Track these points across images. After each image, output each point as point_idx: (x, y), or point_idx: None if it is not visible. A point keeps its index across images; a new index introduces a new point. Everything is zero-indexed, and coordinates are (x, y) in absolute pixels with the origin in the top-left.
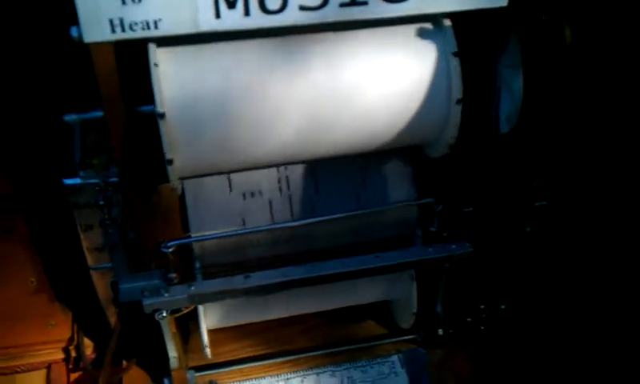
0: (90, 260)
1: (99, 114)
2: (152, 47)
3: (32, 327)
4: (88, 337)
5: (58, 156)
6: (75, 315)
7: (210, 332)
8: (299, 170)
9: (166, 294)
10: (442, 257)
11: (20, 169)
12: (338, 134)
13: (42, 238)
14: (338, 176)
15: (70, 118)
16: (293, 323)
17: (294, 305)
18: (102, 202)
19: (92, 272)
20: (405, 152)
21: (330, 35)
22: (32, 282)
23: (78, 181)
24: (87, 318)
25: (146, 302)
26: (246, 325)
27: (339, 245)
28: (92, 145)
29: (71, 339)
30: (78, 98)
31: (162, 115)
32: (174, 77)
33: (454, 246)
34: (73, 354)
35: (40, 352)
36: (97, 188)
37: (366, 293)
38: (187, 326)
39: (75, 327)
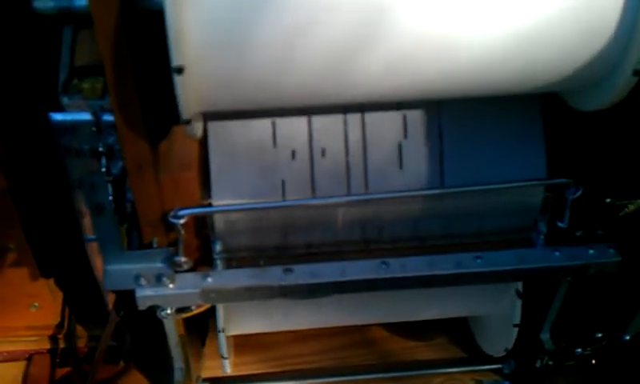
0: (85, 227)
1: (82, 1)
2: None
3: (9, 308)
4: (81, 324)
5: (47, 78)
6: (66, 297)
7: (233, 337)
8: (380, 118)
9: (171, 285)
10: (573, 266)
11: None
12: (445, 54)
13: (23, 193)
14: (424, 130)
15: (42, 4)
16: (341, 333)
17: (348, 312)
18: (100, 149)
19: (88, 243)
20: (533, 104)
21: None
22: (10, 248)
23: (70, 117)
24: (81, 301)
25: (141, 293)
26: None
27: (421, 235)
28: (86, 61)
29: (60, 326)
30: None
31: None
32: None
33: (591, 251)
34: (61, 344)
35: (20, 339)
36: (93, 128)
37: (449, 304)
38: (206, 320)
39: (66, 312)
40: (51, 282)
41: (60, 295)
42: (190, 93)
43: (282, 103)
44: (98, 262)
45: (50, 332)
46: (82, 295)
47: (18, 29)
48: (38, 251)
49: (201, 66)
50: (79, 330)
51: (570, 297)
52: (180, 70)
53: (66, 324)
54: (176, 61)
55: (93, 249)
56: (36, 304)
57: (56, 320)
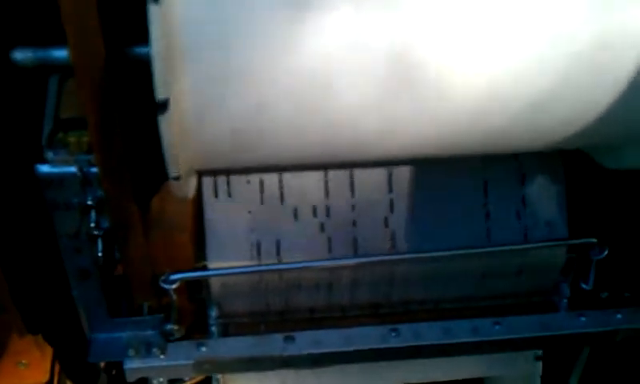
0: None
1: (63, 53)
2: None
3: None
4: (72, 381)
5: (32, 129)
6: (56, 353)
7: None
8: (374, 175)
9: (162, 356)
10: (600, 333)
11: None
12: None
13: (8, 247)
14: (439, 193)
15: (21, 55)
16: None
17: (352, 376)
18: (89, 203)
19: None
20: (554, 162)
21: None
22: None
23: (57, 169)
24: (71, 357)
25: (130, 365)
26: None
27: (434, 298)
28: (71, 114)
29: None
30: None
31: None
32: None
33: (619, 316)
34: None
35: None
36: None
37: (464, 366)
38: None
39: (56, 368)
40: (39, 337)
41: (49, 351)
42: (186, 163)
43: (288, 162)
44: None
45: None
46: (71, 351)
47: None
48: (23, 307)
49: (199, 142)
50: None
51: (592, 357)
52: (177, 178)
53: (55, 381)
54: (168, 146)
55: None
56: (24, 361)
57: (45, 377)
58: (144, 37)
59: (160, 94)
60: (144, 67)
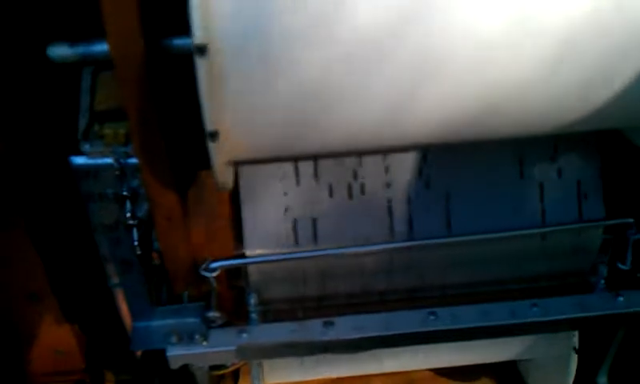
0: (110, 272)
1: (104, 47)
2: None
3: (34, 353)
4: (108, 369)
5: (66, 123)
6: (91, 341)
7: None
8: (409, 160)
9: (204, 343)
10: (638, 312)
11: (14, 138)
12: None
13: (46, 238)
14: (473, 173)
15: (58, 51)
16: (380, 375)
17: (389, 359)
18: (124, 193)
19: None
20: (590, 142)
21: None
22: (33, 294)
23: (92, 161)
24: (107, 345)
25: (172, 352)
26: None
27: (471, 282)
28: (106, 106)
29: (86, 371)
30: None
31: (203, 49)
32: None
33: None
34: None
35: None
36: (116, 172)
37: (499, 349)
38: None
39: (92, 356)
40: (76, 326)
41: (85, 339)
42: (226, 154)
43: (318, 151)
44: (124, 304)
45: (77, 377)
46: (108, 339)
47: (34, 75)
48: (61, 297)
49: (239, 129)
50: (106, 373)
51: (627, 337)
52: (214, 135)
53: (92, 368)
54: (210, 125)
55: (119, 292)
56: (61, 349)
57: (82, 364)
58: (184, 29)
59: (198, 39)
60: (182, 58)
